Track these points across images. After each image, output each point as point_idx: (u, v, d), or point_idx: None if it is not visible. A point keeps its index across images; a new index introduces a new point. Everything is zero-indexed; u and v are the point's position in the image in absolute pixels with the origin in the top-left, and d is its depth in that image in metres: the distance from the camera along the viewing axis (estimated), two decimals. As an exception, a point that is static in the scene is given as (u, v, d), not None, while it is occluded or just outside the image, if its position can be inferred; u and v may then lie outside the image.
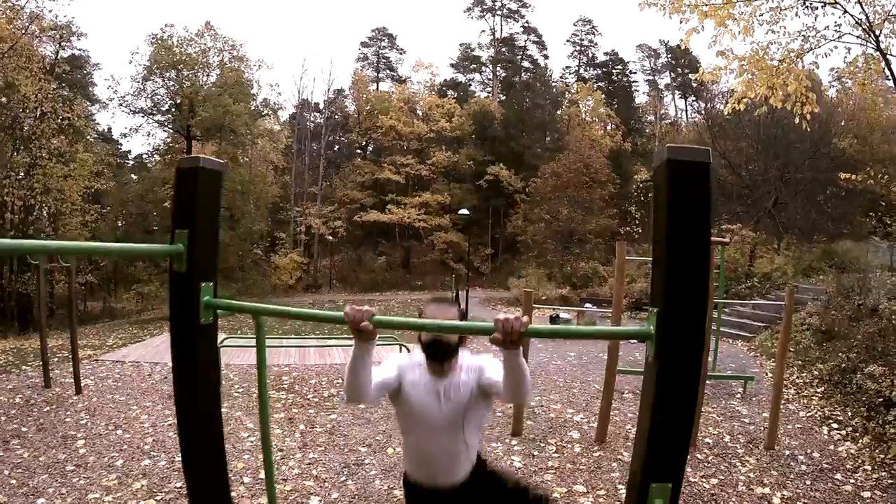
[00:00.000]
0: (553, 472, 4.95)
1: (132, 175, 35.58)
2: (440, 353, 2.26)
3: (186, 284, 1.46)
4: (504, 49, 47.69)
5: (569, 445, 5.67)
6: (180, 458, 4.93)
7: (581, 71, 48.82)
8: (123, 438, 5.74)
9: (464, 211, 23.35)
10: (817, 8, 6.82)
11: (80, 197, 21.65)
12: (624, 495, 4.43)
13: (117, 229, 27.30)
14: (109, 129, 38.77)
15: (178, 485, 4.59)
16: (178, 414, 1.52)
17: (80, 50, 29.61)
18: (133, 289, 25.70)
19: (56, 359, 9.75)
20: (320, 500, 4.32)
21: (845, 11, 6.50)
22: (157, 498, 4.37)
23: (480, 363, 2.33)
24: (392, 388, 2.34)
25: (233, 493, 4.37)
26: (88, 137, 25.94)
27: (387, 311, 21.69)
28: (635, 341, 8.04)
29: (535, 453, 5.41)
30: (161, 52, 25.97)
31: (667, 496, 1.16)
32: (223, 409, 6.44)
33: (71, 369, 8.49)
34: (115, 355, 10.39)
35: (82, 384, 7.69)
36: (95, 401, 7.15)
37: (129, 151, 40.34)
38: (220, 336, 10.15)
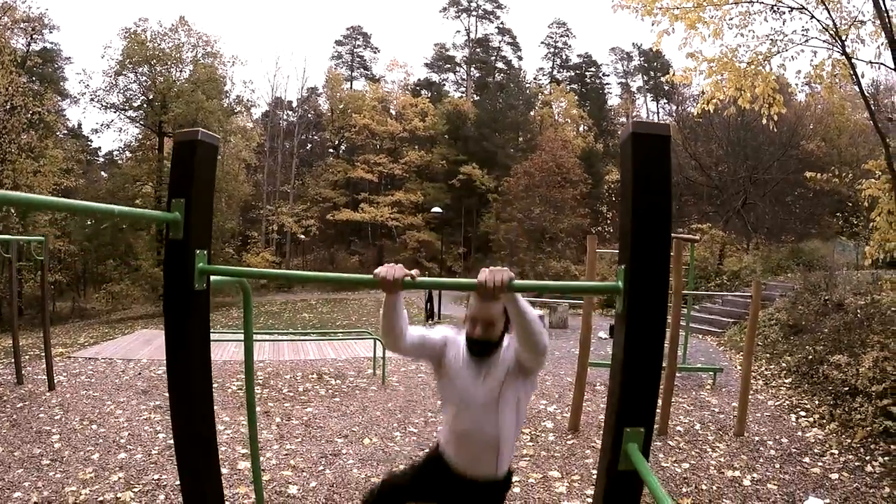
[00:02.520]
0: (528, 459, 5.04)
1: (102, 172, 34.92)
2: (483, 350, 2.26)
3: (182, 251, 1.50)
4: (478, 50, 47.91)
5: (543, 434, 5.76)
6: (156, 451, 4.90)
7: (554, 72, 49.28)
8: (98, 433, 5.68)
9: (437, 209, 23.40)
10: (785, 13, 7.04)
11: (50, 194, 21.18)
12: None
13: (86, 227, 26.78)
14: (79, 124, 38.11)
15: (156, 477, 4.57)
16: (170, 380, 1.55)
17: (51, 43, 29.02)
18: (103, 288, 25.23)
19: (27, 357, 9.56)
20: (299, 489, 4.34)
21: (812, 17, 6.69)
22: (135, 490, 4.34)
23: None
24: (434, 353, 2.35)
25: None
26: (58, 133, 25.42)
27: (360, 310, 21.65)
28: (607, 336, 8.17)
29: (512, 442, 5.49)
30: (134, 46, 25.52)
31: (640, 440, 1.25)
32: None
33: (42, 366, 8.37)
34: (87, 352, 10.22)
35: (55, 381, 7.57)
36: (69, 397, 7.04)
37: (100, 148, 39.68)
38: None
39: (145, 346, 10.95)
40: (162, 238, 24.23)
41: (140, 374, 8.40)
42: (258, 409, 6.61)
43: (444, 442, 2.48)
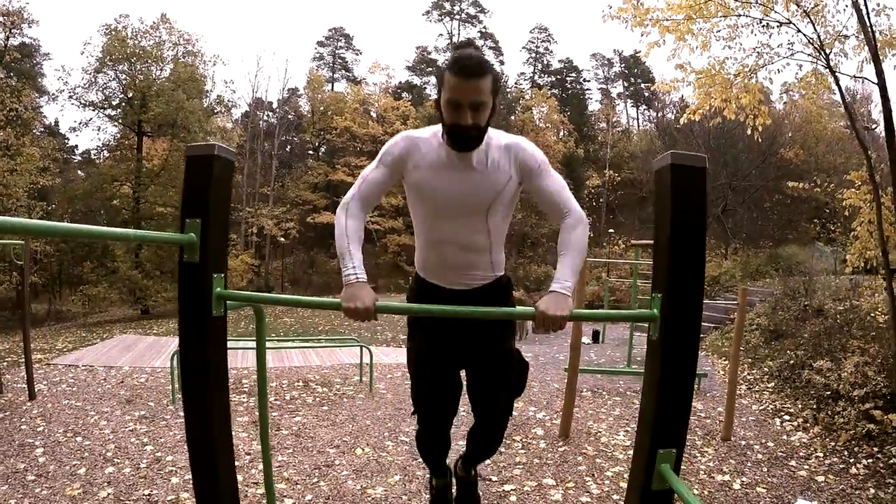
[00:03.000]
0: (521, 467, 5.06)
1: (79, 171, 34.32)
2: (469, 140, 1.92)
3: (199, 275, 1.45)
4: (461, 53, 48.04)
5: (534, 442, 5.79)
6: (144, 464, 4.81)
7: (536, 77, 49.57)
8: (84, 446, 5.56)
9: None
10: (773, 27, 7.17)
11: (26, 193, 20.75)
12: (592, 489, 4.58)
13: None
14: (56, 122, 37.44)
15: (146, 492, 4.50)
16: (186, 407, 1.53)
17: (30, 38, 28.43)
18: (80, 290, 24.79)
19: (5, 363, 9.36)
20: (294, 502, 4.30)
21: (798, 31, 6.84)
22: (124, 507, 4.27)
23: (517, 142, 2.11)
24: (394, 178, 2.09)
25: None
26: (35, 131, 24.92)
27: (341, 315, 21.46)
28: (589, 342, 8.26)
29: (503, 450, 5.50)
30: (114, 43, 25.08)
31: (672, 460, 1.28)
32: (182, 415, 6.33)
33: (21, 374, 8.19)
34: (66, 359, 10.02)
35: (35, 390, 7.41)
36: (50, 406, 6.89)
37: (77, 147, 39.01)
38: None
39: (126, 352, 10.79)
40: (139, 244, 23.89)
41: (122, 381, 8.27)
42: (245, 418, 6.54)
43: (422, 269, 2.29)
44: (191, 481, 4.61)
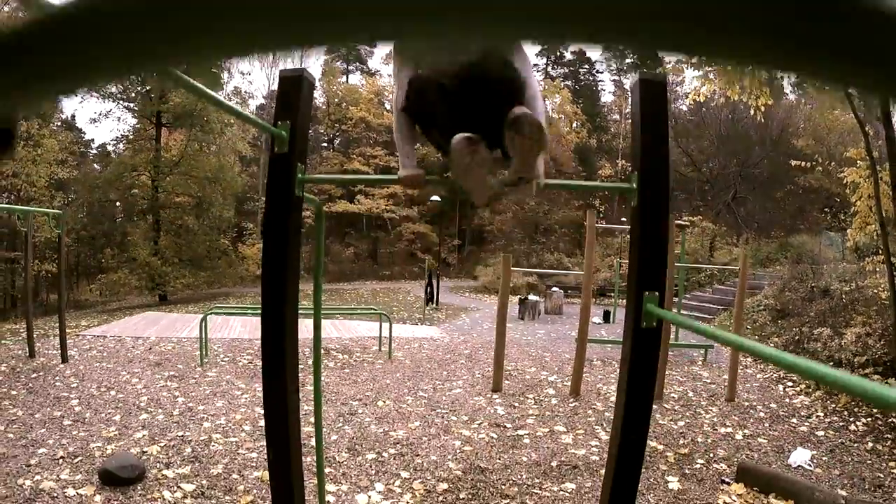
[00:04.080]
0: (534, 417, 5.33)
1: (95, 165, 34.83)
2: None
3: (287, 162, 1.82)
4: (474, 45, 48.18)
5: (546, 399, 6.06)
6: (177, 412, 5.10)
7: (549, 69, 49.66)
8: (117, 398, 5.87)
9: (435, 197, 23.67)
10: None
11: (46, 183, 21.26)
12: (601, 435, 4.85)
13: (82, 215, 26.79)
14: (73, 116, 38.00)
15: (180, 433, 4.80)
16: (264, 278, 1.84)
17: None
18: (99, 279, 25.27)
19: (36, 334, 9.74)
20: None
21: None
22: (161, 445, 4.56)
23: None
24: None
25: (234, 440, 4.61)
26: (53, 125, 25.42)
27: (357, 300, 21.87)
28: (600, 321, 8.53)
29: (516, 405, 5.78)
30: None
31: (655, 301, 1.58)
32: (212, 375, 6.59)
33: (53, 343, 8.55)
34: (94, 331, 10.41)
35: (67, 355, 7.75)
36: (83, 368, 7.23)
37: (93, 140, 39.56)
38: (204, 308, 10.20)
39: (152, 325, 11.15)
40: (158, 228, 24.30)
41: (151, 349, 8.61)
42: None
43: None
44: (221, 426, 4.95)
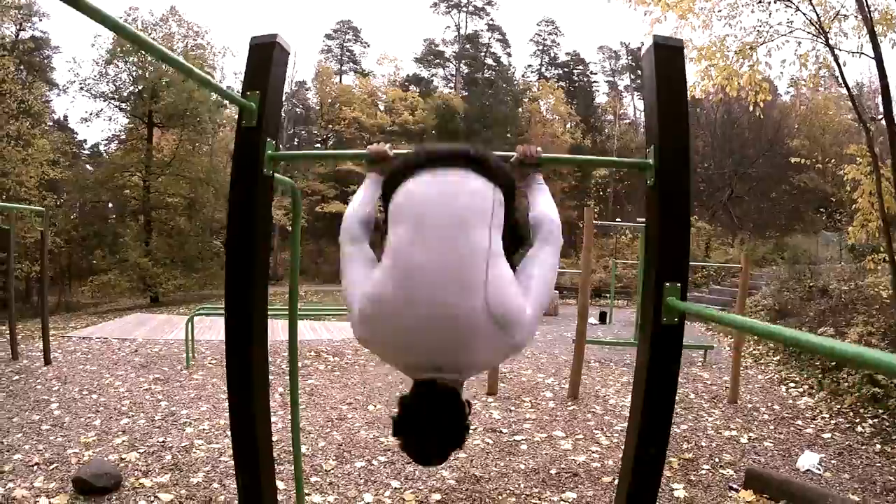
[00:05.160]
0: (531, 422, 5.14)
1: (87, 166, 34.43)
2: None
3: (254, 137, 1.63)
4: (468, 45, 48.00)
5: (543, 402, 5.87)
6: (159, 417, 4.88)
7: (543, 70, 49.50)
8: (99, 402, 5.66)
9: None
10: (771, 3, 7.24)
11: (37, 183, 20.89)
12: (601, 440, 4.66)
13: (74, 216, 26.44)
14: (65, 116, 37.60)
15: (161, 439, 4.59)
16: (228, 262, 1.63)
17: (41, 31, 28.55)
18: (91, 280, 24.94)
19: (22, 336, 9.49)
20: (308, 448, 4.39)
21: (797, 9, 6.91)
22: (140, 451, 4.36)
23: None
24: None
25: (217, 446, 4.40)
26: (45, 125, 25.05)
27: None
28: (597, 322, 8.36)
29: (512, 409, 5.59)
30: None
31: (677, 293, 1.36)
32: (198, 378, 6.37)
33: (36, 345, 8.30)
34: (81, 332, 10.17)
35: (51, 357, 7.51)
36: (66, 370, 7.01)
37: (85, 140, 39.15)
38: (191, 309, 9.95)
39: (140, 327, 10.91)
40: (150, 229, 24.02)
41: (136, 351, 8.38)
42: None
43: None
44: (204, 431, 4.74)
